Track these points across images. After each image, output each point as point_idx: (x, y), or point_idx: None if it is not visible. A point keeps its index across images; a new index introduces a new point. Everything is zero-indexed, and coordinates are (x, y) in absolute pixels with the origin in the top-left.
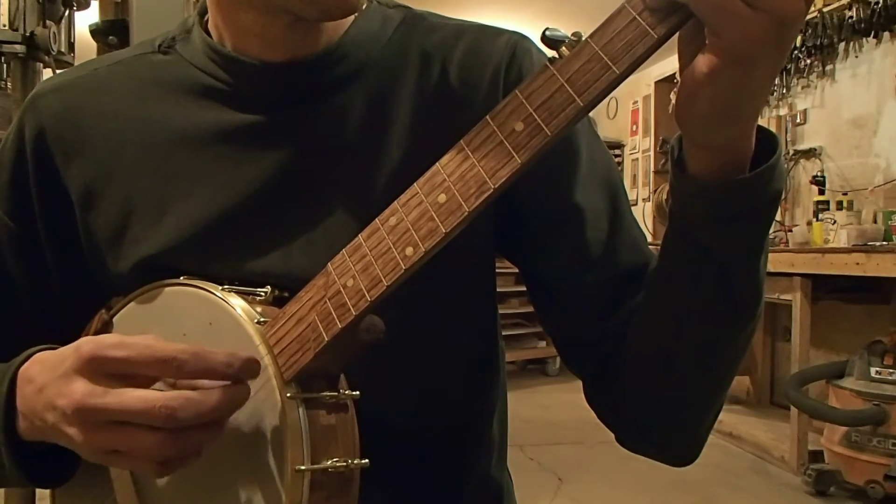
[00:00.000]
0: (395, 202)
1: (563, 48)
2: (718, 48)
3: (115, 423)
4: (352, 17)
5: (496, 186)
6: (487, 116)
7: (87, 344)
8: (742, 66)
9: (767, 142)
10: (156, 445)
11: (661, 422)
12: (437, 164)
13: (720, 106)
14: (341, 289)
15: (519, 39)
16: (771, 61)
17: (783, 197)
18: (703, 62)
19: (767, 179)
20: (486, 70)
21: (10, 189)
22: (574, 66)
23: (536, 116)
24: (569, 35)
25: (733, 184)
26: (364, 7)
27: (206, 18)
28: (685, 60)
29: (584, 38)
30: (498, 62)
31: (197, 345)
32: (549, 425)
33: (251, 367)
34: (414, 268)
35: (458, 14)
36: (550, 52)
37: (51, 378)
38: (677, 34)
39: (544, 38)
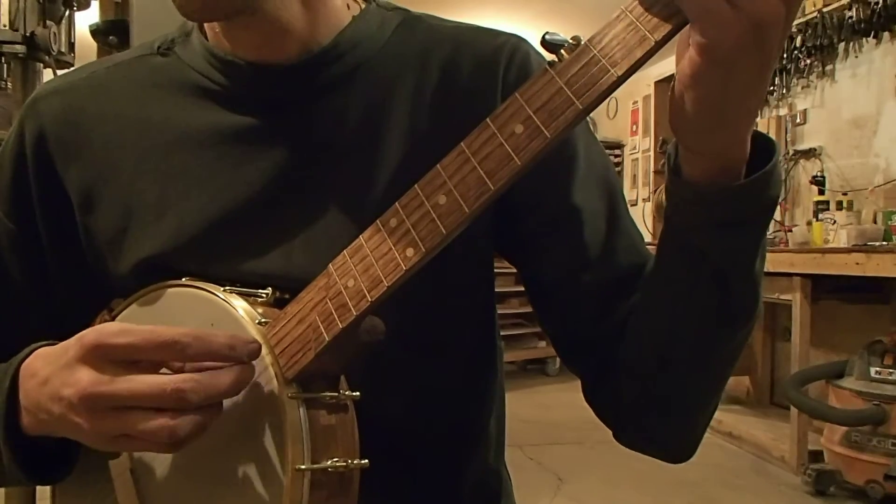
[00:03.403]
0: (396, 203)
1: (563, 51)
2: (700, 49)
3: (124, 409)
4: (347, 18)
5: (496, 188)
6: (488, 119)
7: (89, 334)
8: (722, 67)
9: (765, 148)
10: (166, 427)
11: (658, 419)
12: (437, 165)
13: (708, 108)
14: (342, 289)
15: (517, 42)
16: (752, 63)
17: (782, 198)
18: (687, 64)
19: (763, 186)
20: (485, 71)
21: (10, 191)
22: (573, 70)
23: (536, 119)
24: (568, 39)
25: (729, 190)
26: (362, 8)
27: None
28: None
29: (583, 42)
30: (496, 64)
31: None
32: (549, 425)
33: (252, 349)
34: (414, 268)
35: (457, 14)
36: (550, 56)
37: (54, 369)
38: (677, 38)
39: (544, 42)
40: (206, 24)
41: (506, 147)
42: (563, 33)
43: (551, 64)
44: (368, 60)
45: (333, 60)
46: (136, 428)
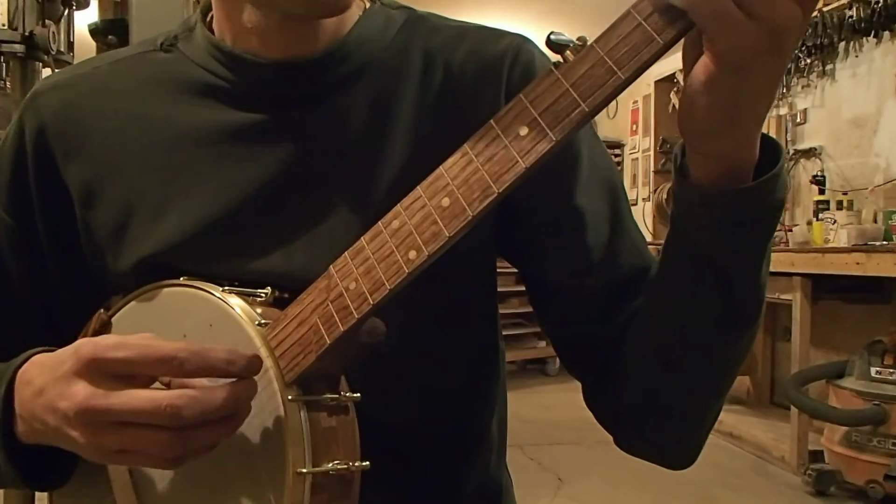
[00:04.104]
0: (398, 205)
1: (568, 52)
2: (715, 55)
3: (120, 424)
4: (355, 17)
5: (500, 191)
6: (492, 120)
7: (86, 346)
8: (739, 74)
9: (771, 150)
10: (162, 444)
11: (659, 424)
12: (440, 167)
13: (720, 113)
14: (343, 291)
15: (522, 42)
16: (768, 69)
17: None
18: (700, 70)
19: (770, 189)
20: (489, 72)
21: (9, 186)
22: (579, 71)
23: (541, 121)
24: (574, 40)
25: (736, 192)
26: (367, 7)
27: (209, 17)
28: (689, 67)
29: (589, 43)
30: (500, 64)
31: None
32: (549, 425)
33: (252, 364)
34: (417, 271)
35: (457, 14)
36: (555, 57)
37: (50, 380)
38: (682, 40)
39: (549, 43)
40: (216, 18)
41: (510, 149)
42: (565, 33)
43: (557, 65)
44: (374, 60)
45: (340, 59)
46: (131, 444)
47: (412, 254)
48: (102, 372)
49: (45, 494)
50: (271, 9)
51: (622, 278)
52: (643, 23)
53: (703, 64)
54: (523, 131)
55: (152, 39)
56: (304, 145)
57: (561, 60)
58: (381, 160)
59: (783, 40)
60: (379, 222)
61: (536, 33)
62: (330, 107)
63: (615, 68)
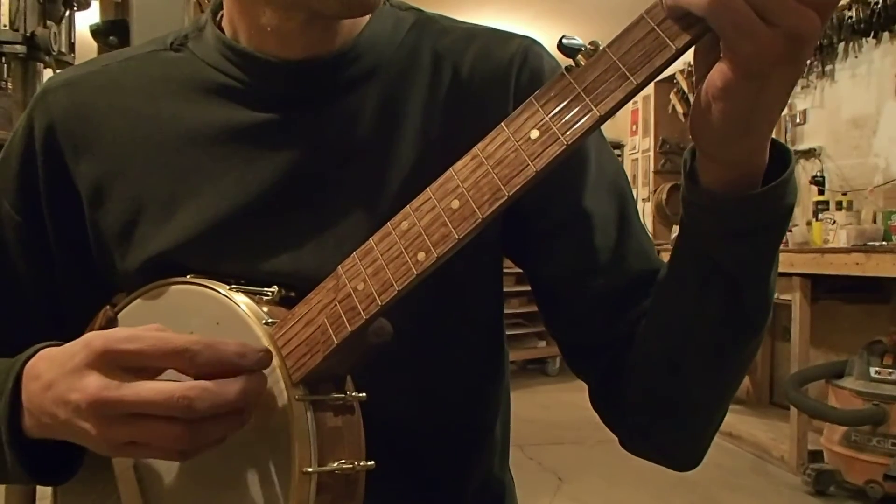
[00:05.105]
0: (408, 207)
1: (580, 57)
2: (733, 62)
3: (132, 416)
4: (367, 18)
5: (510, 194)
6: (503, 123)
7: (97, 338)
8: (756, 81)
9: (781, 156)
10: (174, 436)
11: (665, 427)
12: (450, 169)
13: (735, 120)
14: (352, 292)
15: (530, 44)
16: (785, 77)
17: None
18: (717, 76)
19: (780, 194)
20: (498, 74)
21: (17, 183)
22: (591, 76)
23: (552, 125)
24: (586, 44)
25: (746, 198)
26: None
27: (219, 16)
28: (701, 73)
29: (601, 48)
30: (509, 66)
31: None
32: (549, 425)
33: (263, 358)
34: (426, 273)
35: (456, 14)
36: (566, 61)
37: (60, 374)
38: (694, 46)
39: (560, 47)
40: (227, 17)
41: (521, 153)
42: (563, 33)
43: (568, 69)
44: (384, 61)
45: (352, 60)
46: (143, 436)
47: (421, 255)
48: (114, 364)
49: (49, 492)
50: (298, 10)
51: (629, 281)
52: (656, 28)
53: (720, 71)
54: (534, 135)
55: (162, 38)
56: (314, 145)
57: (573, 65)
58: (391, 161)
59: (801, 47)
60: (388, 223)
61: (536, 33)
62: (341, 107)
63: (628, 73)
